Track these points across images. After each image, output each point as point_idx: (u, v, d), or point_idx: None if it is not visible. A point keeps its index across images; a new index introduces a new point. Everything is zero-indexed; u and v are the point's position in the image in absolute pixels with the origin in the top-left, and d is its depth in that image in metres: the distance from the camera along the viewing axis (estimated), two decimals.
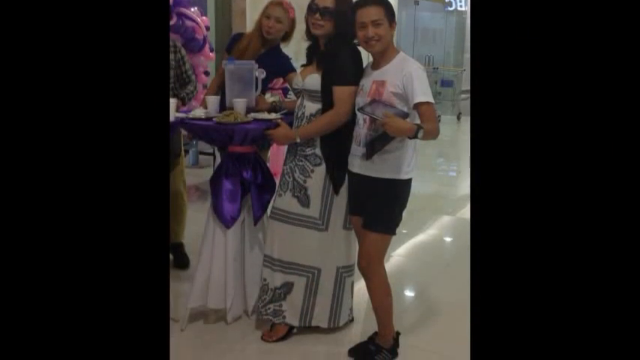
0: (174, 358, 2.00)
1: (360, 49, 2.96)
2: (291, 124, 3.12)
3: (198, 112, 3.25)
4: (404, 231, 4.94)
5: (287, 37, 3.61)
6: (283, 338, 3.22)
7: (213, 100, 3.34)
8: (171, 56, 3.73)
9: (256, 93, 3.37)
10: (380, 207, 2.86)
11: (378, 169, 2.82)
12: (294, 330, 3.27)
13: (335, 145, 2.99)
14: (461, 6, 16.78)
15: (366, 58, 2.99)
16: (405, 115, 2.68)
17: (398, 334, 3.11)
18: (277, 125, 3.09)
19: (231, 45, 3.66)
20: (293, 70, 3.61)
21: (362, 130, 2.85)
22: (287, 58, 3.68)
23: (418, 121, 2.69)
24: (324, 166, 3.01)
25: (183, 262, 4.16)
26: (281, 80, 4.61)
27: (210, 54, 6.05)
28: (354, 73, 2.93)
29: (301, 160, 3.05)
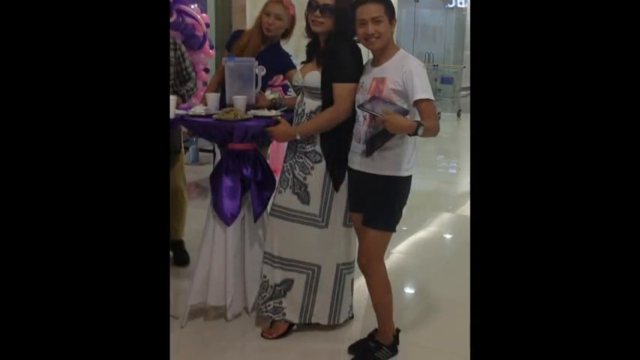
0: (175, 355, 2.00)
1: (360, 46, 2.96)
2: (291, 121, 3.12)
3: (198, 109, 3.25)
4: (404, 228, 4.94)
5: (287, 34, 3.61)
6: (283, 335, 3.23)
7: (213, 97, 3.34)
8: (172, 53, 3.73)
9: (256, 90, 3.37)
10: (380, 204, 2.86)
11: (378, 166, 2.82)
12: (294, 327, 3.27)
13: (335, 142, 2.99)
14: (461, 3, 16.77)
15: (366, 55, 2.99)
16: (405, 112, 2.68)
17: (398, 331, 3.11)
18: (277, 122, 3.09)
19: (231, 42, 3.66)
20: (293, 67, 3.61)
21: (362, 127, 2.85)
22: (287, 55, 3.67)
23: (418, 118, 2.68)
24: (324, 163, 3.01)
25: (183, 260, 4.16)
26: (281, 77, 4.61)
27: (210, 51, 6.06)
28: (354, 70, 2.93)
29: (301, 157, 3.05)
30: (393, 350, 3.06)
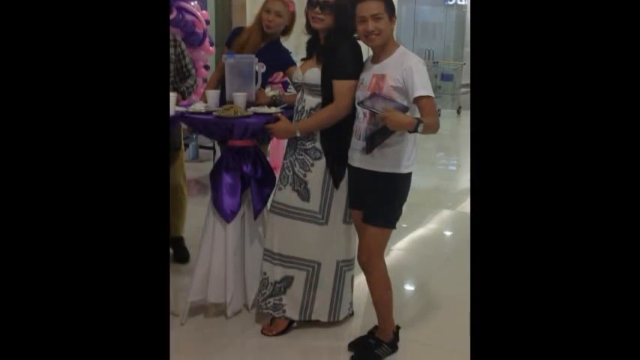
0: (175, 352, 2.00)
1: (360, 43, 2.95)
2: (291, 118, 3.11)
3: (198, 106, 3.25)
4: (404, 225, 4.94)
5: (287, 31, 3.61)
6: (283, 332, 3.23)
7: (213, 94, 3.34)
8: (172, 50, 3.73)
9: (256, 87, 3.37)
10: (380, 201, 2.86)
11: (378, 163, 2.82)
12: (294, 324, 3.27)
13: (335, 139, 2.99)
14: (461, 0, 16.75)
15: (366, 52, 2.99)
16: (405, 109, 2.68)
17: (398, 328, 3.11)
18: (277, 119, 3.09)
19: (231, 39, 3.65)
20: (293, 63, 3.61)
21: (362, 124, 2.85)
22: (287, 52, 3.67)
23: (418, 115, 2.68)
24: (324, 160, 3.01)
25: (183, 256, 4.16)
26: (281, 74, 4.60)
27: (210, 48, 6.05)
28: (354, 67, 2.93)
29: (301, 154, 3.05)
30: (393, 347, 3.07)
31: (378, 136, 2.76)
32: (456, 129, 11.53)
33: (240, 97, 3.22)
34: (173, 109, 3.15)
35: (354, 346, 3.10)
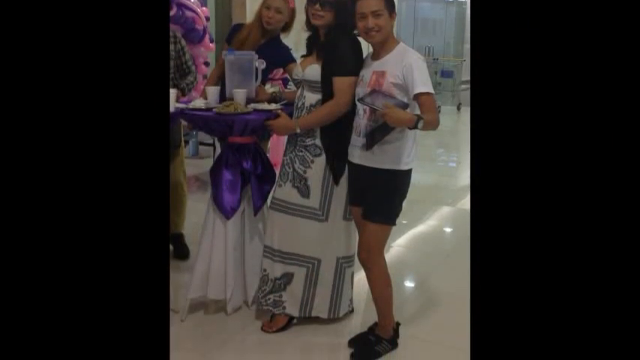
0: (175, 349, 2.01)
1: (360, 39, 2.95)
2: (291, 115, 3.12)
3: (198, 103, 3.24)
4: (404, 221, 4.95)
5: (287, 27, 3.60)
6: (283, 329, 3.23)
7: (213, 91, 3.34)
8: (171, 47, 3.72)
9: (256, 84, 3.37)
10: (380, 197, 2.86)
11: (378, 159, 2.82)
12: (294, 320, 3.27)
13: (335, 135, 2.99)
14: None
15: (366, 48, 2.99)
16: (405, 106, 2.68)
17: (398, 324, 3.12)
18: (277, 116, 3.09)
19: (231, 36, 3.65)
20: (293, 60, 3.61)
21: (362, 120, 2.85)
22: (287, 49, 3.67)
23: (418, 112, 2.68)
24: (324, 156, 3.01)
25: (183, 253, 4.16)
26: (281, 71, 4.60)
27: (210, 45, 6.04)
28: (354, 64, 2.93)
29: (301, 151, 3.05)
30: (393, 344, 3.07)
31: (378, 133, 2.76)
32: (456, 126, 11.52)
33: (240, 94, 3.22)
34: (173, 105, 3.15)
35: (354, 342, 3.10)
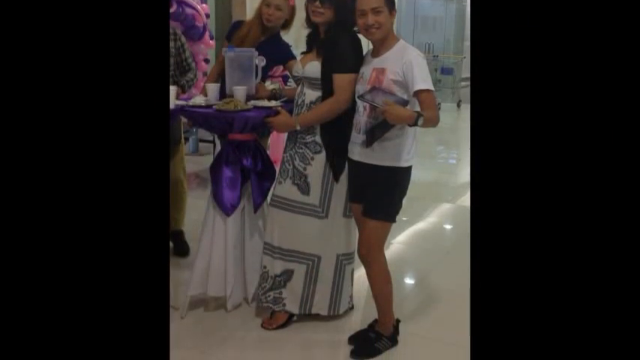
0: (175, 346, 2.01)
1: (360, 36, 2.95)
2: (291, 112, 3.11)
3: (198, 100, 3.24)
4: (404, 218, 4.94)
5: (287, 24, 3.60)
6: (283, 326, 3.23)
7: (213, 88, 3.34)
8: (171, 44, 3.72)
9: (256, 81, 3.37)
10: (380, 194, 2.86)
11: (378, 156, 2.82)
12: (294, 317, 3.27)
13: (335, 132, 2.99)
14: None
15: (366, 45, 2.99)
16: (405, 103, 2.68)
17: (398, 321, 3.12)
18: (277, 113, 3.09)
19: (231, 33, 3.65)
20: (293, 57, 3.61)
21: (362, 117, 2.85)
22: (287, 46, 3.67)
23: (418, 109, 2.68)
24: (324, 153, 3.01)
25: (183, 250, 4.16)
26: (281, 68, 4.60)
27: (210, 42, 6.04)
28: (354, 61, 2.93)
29: (301, 148, 3.05)
30: (393, 341, 3.07)
31: (378, 130, 2.76)
32: (456, 122, 11.53)
33: (240, 91, 3.21)
34: (173, 102, 3.15)
35: (354, 339, 3.10)
